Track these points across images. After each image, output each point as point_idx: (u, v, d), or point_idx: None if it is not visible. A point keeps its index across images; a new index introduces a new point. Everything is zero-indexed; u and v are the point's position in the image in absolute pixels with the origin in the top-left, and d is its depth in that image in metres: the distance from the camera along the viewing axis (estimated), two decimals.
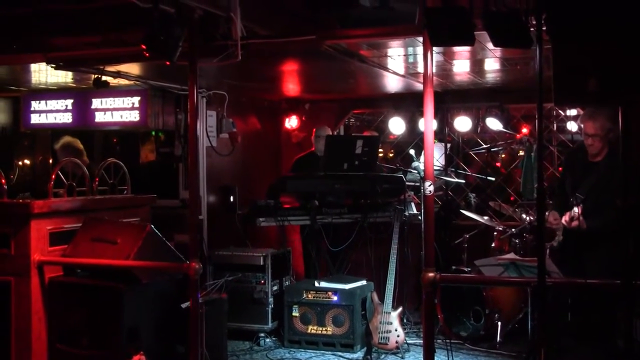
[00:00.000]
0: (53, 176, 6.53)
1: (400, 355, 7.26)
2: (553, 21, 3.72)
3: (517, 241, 7.81)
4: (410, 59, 7.04)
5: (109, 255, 6.01)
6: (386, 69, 7.45)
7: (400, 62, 7.20)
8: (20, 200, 6.64)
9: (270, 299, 7.87)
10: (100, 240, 6.17)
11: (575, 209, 5.94)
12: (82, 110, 8.60)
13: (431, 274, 5.03)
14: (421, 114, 5.34)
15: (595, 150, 6.12)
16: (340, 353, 7.44)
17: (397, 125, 9.83)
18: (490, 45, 5.22)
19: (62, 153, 8.09)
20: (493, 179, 9.74)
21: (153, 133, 9.36)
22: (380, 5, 5.25)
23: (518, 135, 9.48)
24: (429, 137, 5.06)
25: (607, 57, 3.50)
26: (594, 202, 6.00)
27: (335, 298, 7.45)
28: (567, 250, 6.25)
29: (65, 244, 6.29)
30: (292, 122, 10.49)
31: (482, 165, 10.47)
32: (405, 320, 7.77)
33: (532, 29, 4.20)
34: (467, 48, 6.16)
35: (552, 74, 3.62)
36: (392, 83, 8.65)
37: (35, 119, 8.93)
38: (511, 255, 6.60)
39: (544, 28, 3.90)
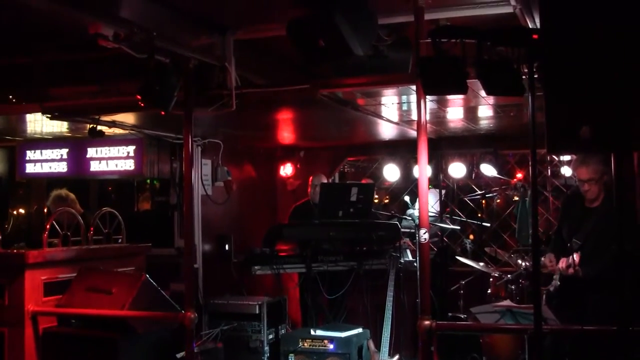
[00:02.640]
0: (48, 226, 6.52)
1: None
2: (545, 69, 3.75)
3: (513, 287, 7.78)
4: (404, 107, 7.09)
5: (103, 305, 5.98)
6: (380, 116, 7.50)
7: (394, 110, 7.25)
8: (15, 251, 6.62)
9: (266, 348, 7.81)
10: (95, 290, 6.14)
11: (573, 256, 5.92)
12: (78, 159, 8.62)
13: (427, 322, 5.01)
14: (416, 160, 5.36)
15: (593, 195, 6.10)
16: None
17: (391, 172, 9.86)
18: (483, 93, 5.26)
19: (54, 206, 8.07)
20: (488, 224, 9.74)
21: (148, 181, 9.37)
22: (374, 54, 5.30)
23: (512, 181, 9.51)
24: (424, 185, 5.08)
25: (599, 104, 3.53)
26: (591, 248, 5.98)
27: (331, 346, 7.38)
28: (564, 296, 6.23)
29: (59, 294, 6.26)
30: (287, 169, 10.52)
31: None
32: None
33: (524, 77, 4.24)
34: (460, 96, 6.21)
35: (544, 121, 3.64)
36: (387, 130, 8.70)
37: (30, 168, 8.94)
38: (507, 302, 6.57)
39: (536, 76, 3.94)
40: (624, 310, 3.82)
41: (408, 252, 8.15)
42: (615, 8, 3.50)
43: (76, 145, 8.64)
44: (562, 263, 6.02)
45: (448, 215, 9.86)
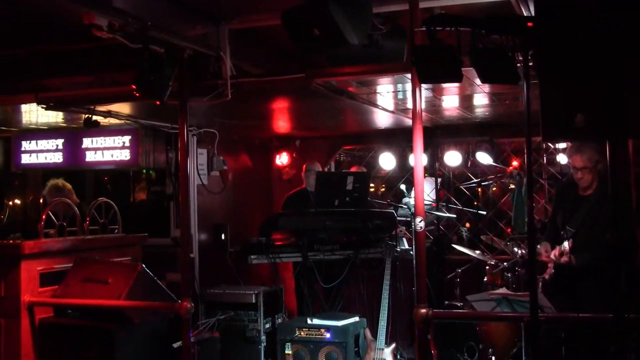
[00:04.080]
0: (43, 216, 6.52)
1: None
2: (540, 57, 3.74)
3: (509, 275, 7.79)
4: (400, 95, 7.08)
5: (100, 295, 5.98)
6: (376, 105, 7.49)
7: (389, 99, 7.25)
8: (11, 241, 6.61)
9: (263, 337, 7.82)
10: (91, 280, 6.14)
11: (565, 244, 5.94)
12: (73, 149, 8.61)
13: (423, 311, 5.02)
14: (411, 149, 5.37)
15: (586, 183, 6.12)
16: None
17: (387, 161, 9.85)
18: (478, 81, 5.26)
19: (50, 196, 8.06)
20: (484, 213, 9.75)
21: (144, 172, 9.36)
22: (369, 43, 5.29)
23: (508, 169, 9.51)
24: (419, 173, 5.08)
25: (594, 92, 3.52)
26: (585, 236, 6.00)
27: (328, 335, 7.39)
28: (560, 284, 6.24)
29: (56, 285, 6.26)
30: (282, 159, 10.51)
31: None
32: (398, 357, 7.71)
33: (519, 65, 4.24)
34: (455, 84, 6.21)
35: (539, 109, 3.64)
36: (382, 119, 8.70)
37: (26, 159, 8.93)
38: (503, 290, 6.58)
39: (531, 64, 3.94)
40: (620, 298, 3.83)
41: (404, 240, 8.15)
42: None
43: (72, 136, 8.63)
44: (556, 251, 6.04)
45: (444, 204, 9.87)
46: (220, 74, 5.87)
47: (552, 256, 6.09)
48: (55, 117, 7.98)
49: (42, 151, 8.81)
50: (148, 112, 7.65)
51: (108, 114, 7.36)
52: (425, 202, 6.65)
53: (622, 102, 3.47)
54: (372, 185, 11.18)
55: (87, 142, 8.49)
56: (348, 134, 10.33)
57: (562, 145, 9.22)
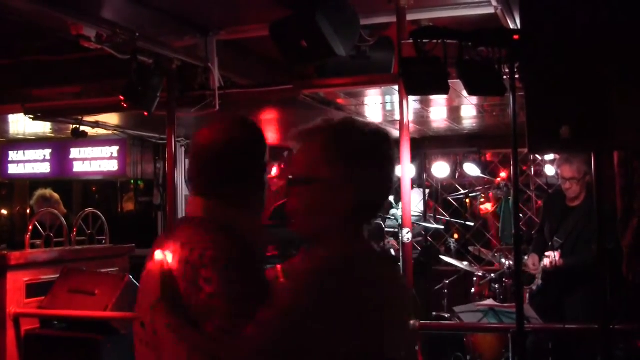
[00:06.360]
0: (30, 227, 6.48)
1: None
2: (526, 69, 3.77)
3: (496, 286, 7.80)
4: (388, 107, 7.10)
5: (86, 306, 5.95)
6: (364, 116, 7.51)
7: (377, 110, 7.27)
8: None
9: None
10: (78, 291, 6.10)
11: (554, 254, 5.96)
12: (61, 160, 8.60)
13: (411, 322, 5.02)
14: (399, 160, 5.38)
15: (574, 193, 6.15)
16: None
17: None
18: (465, 93, 5.28)
19: (38, 206, 8.02)
20: (472, 224, 9.76)
21: (132, 182, 9.35)
22: (356, 55, 5.31)
23: (496, 180, 9.53)
24: (406, 185, 5.09)
25: (579, 104, 3.55)
26: (573, 246, 6.03)
27: None
28: (547, 295, 6.26)
29: (42, 296, 6.21)
30: (271, 169, 10.50)
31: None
32: None
33: (505, 77, 4.26)
34: (442, 96, 6.24)
35: (525, 121, 3.66)
36: None
37: (13, 169, 8.90)
38: (490, 301, 6.59)
39: (517, 76, 3.96)
40: (605, 308, 3.84)
41: (392, 251, 8.15)
42: (595, 9, 3.52)
43: (59, 146, 8.62)
44: (545, 261, 6.06)
45: (432, 215, 9.88)
46: (208, 85, 5.88)
47: (543, 263, 6.11)
48: (42, 128, 7.96)
49: (29, 161, 8.79)
50: (136, 122, 7.64)
51: (96, 124, 7.36)
52: (413, 214, 6.66)
53: (608, 114, 3.49)
54: None
55: (74, 152, 8.47)
56: None
57: (549, 156, 9.25)
